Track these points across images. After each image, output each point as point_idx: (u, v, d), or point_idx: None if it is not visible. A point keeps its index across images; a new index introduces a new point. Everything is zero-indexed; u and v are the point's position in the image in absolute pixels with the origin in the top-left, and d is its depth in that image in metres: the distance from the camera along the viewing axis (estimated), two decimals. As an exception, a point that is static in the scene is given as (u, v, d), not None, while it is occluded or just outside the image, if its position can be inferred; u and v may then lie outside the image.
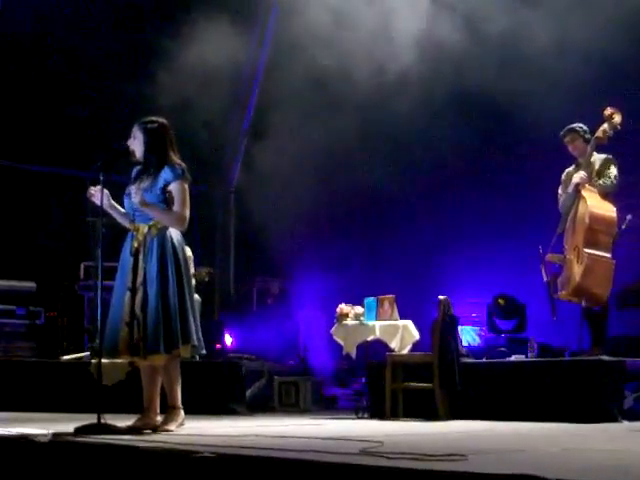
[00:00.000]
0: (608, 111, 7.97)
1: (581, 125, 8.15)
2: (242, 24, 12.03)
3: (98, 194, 6.05)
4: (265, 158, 11.91)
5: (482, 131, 10.86)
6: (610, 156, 8.08)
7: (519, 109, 10.26)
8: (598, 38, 9.22)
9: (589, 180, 7.93)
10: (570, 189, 8.01)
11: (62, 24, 11.59)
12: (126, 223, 6.19)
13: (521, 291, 10.47)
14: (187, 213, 6.12)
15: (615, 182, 7.96)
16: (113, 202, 6.21)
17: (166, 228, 6.11)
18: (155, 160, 6.13)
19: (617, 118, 7.94)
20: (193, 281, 9.19)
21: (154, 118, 6.25)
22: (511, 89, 10.12)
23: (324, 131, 11.17)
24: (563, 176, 8.32)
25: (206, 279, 9.49)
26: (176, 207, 6.09)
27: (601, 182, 7.95)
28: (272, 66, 12.61)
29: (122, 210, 6.22)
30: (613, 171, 7.98)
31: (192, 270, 9.22)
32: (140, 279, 6.01)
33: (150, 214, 6.07)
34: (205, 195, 13.41)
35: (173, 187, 6.08)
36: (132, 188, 6.17)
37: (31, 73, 11.64)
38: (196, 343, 6.10)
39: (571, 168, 8.27)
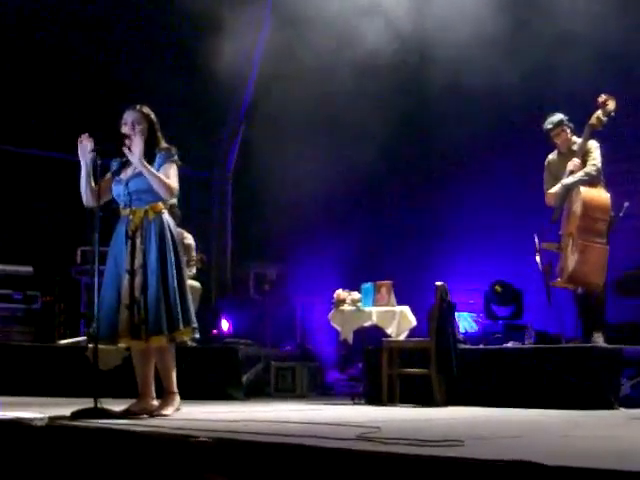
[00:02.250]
0: (602, 98, 7.91)
1: (564, 116, 8.08)
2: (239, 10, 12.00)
3: (87, 143, 6.05)
4: (263, 144, 11.88)
5: (478, 120, 10.84)
6: (592, 141, 8.00)
7: (516, 98, 10.26)
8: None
9: (582, 167, 7.90)
10: (565, 180, 7.97)
11: (59, 5, 11.55)
12: (86, 187, 6.14)
13: (518, 278, 10.47)
14: (177, 186, 6.18)
15: (599, 167, 7.89)
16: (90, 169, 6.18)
17: (162, 212, 6.16)
18: (153, 145, 6.18)
19: (611, 104, 7.88)
20: (194, 269, 9.25)
21: (141, 105, 6.27)
22: (508, 78, 10.13)
23: (323, 117, 11.14)
24: (546, 163, 8.30)
25: (198, 266, 9.46)
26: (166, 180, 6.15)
27: (586, 171, 7.87)
28: (271, 50, 12.55)
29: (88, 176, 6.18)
30: (596, 157, 7.92)
31: (195, 256, 9.24)
32: (139, 262, 6.03)
33: (146, 173, 6.06)
34: (203, 181, 13.40)
35: (164, 168, 6.14)
36: (123, 173, 6.19)
37: (29, 57, 11.59)
38: (196, 325, 6.14)
39: (554, 155, 8.23)
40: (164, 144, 6.24)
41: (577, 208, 7.75)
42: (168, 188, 6.12)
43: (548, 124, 8.12)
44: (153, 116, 6.26)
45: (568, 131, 8.09)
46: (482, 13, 9.76)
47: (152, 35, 12.11)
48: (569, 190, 7.90)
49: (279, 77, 11.65)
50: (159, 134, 6.26)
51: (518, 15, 10.00)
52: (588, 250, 7.69)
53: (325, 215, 12.17)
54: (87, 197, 6.17)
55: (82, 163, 6.13)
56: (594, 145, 7.95)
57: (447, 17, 10.05)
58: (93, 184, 6.15)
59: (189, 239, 9.34)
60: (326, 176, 11.75)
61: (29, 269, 10.91)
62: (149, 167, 6.09)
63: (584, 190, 7.74)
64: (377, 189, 12.20)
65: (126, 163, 6.24)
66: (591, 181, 7.84)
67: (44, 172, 11.99)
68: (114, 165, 6.30)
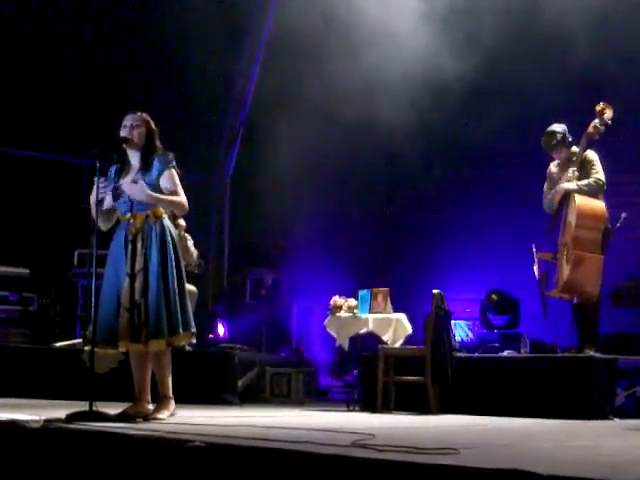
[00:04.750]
0: (600, 106, 7.91)
1: (564, 129, 8.07)
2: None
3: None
4: (261, 148, 11.90)
5: (480, 130, 10.85)
6: (590, 152, 8.01)
7: (520, 109, 10.28)
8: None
9: (578, 178, 7.90)
10: (557, 197, 7.97)
11: (56, 7, 11.55)
12: (106, 222, 6.24)
13: (515, 287, 10.47)
14: (184, 196, 6.23)
15: (603, 180, 7.90)
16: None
17: (163, 217, 6.17)
18: (151, 150, 6.19)
19: (608, 113, 7.88)
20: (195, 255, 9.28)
21: (142, 112, 6.30)
22: (512, 86, 10.16)
23: (322, 121, 11.15)
24: (547, 172, 8.29)
25: (196, 271, 9.45)
26: (170, 192, 6.17)
27: (589, 182, 7.87)
28: (271, 52, 12.57)
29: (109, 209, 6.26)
30: (599, 170, 7.91)
31: (191, 243, 9.25)
32: (139, 265, 6.04)
33: (156, 203, 6.12)
34: (201, 185, 13.40)
35: (166, 175, 6.16)
36: (124, 180, 6.19)
37: (28, 59, 11.59)
38: (194, 330, 6.17)
39: (555, 165, 8.22)
40: (160, 149, 6.25)
41: (572, 218, 7.76)
42: (181, 206, 6.24)
43: (549, 140, 8.06)
44: (153, 124, 6.27)
45: (568, 145, 8.06)
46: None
47: (153, 38, 12.11)
48: (565, 196, 7.89)
49: (279, 80, 11.66)
50: (157, 141, 6.26)
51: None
52: (582, 260, 7.69)
53: (322, 222, 12.17)
54: (102, 224, 6.25)
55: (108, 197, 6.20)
56: (594, 157, 7.93)
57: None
58: (103, 207, 6.21)
59: (180, 221, 9.27)
60: (324, 183, 11.77)
61: (25, 271, 10.88)
62: (158, 196, 6.11)
63: (579, 199, 7.73)
64: (375, 197, 12.19)
65: (123, 169, 6.25)
66: (592, 193, 7.83)
67: (42, 174, 11.97)
68: (112, 171, 6.30)
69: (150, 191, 6.09)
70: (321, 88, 10.78)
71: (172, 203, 6.20)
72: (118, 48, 11.96)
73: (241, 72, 13.07)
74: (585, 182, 7.85)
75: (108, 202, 6.21)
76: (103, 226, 6.24)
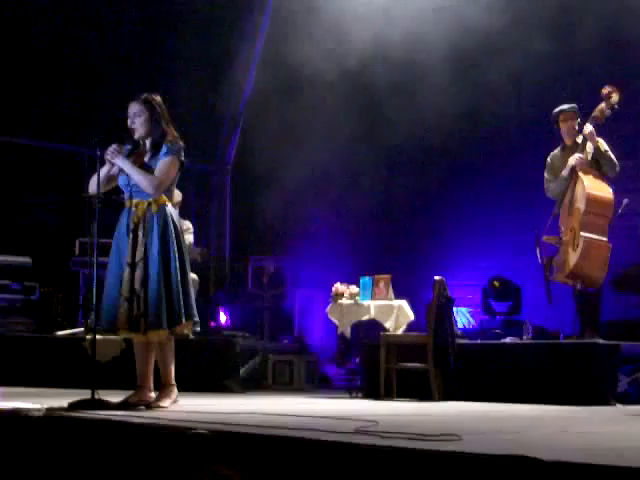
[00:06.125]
0: (606, 90, 7.87)
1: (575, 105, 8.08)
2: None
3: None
4: (263, 135, 11.88)
5: (479, 115, 10.84)
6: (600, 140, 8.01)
7: (516, 94, 10.26)
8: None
9: (586, 161, 7.88)
10: (565, 172, 7.96)
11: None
12: (101, 182, 6.10)
13: (516, 273, 10.48)
14: (165, 183, 6.07)
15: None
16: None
17: (165, 205, 6.10)
18: (159, 134, 6.11)
19: (615, 97, 7.84)
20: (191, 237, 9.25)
21: (147, 95, 6.19)
22: (505, 71, 10.14)
23: (321, 110, 11.13)
24: (548, 159, 8.26)
25: (198, 259, 9.46)
26: (156, 173, 6.05)
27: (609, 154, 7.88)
28: (272, 41, 12.54)
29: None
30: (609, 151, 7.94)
31: (191, 239, 9.21)
32: (140, 255, 5.99)
33: (127, 170, 6.03)
34: (201, 174, 13.39)
35: (164, 159, 6.05)
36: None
37: (29, 47, 11.57)
38: (197, 319, 6.13)
39: (557, 151, 8.20)
40: (171, 136, 6.12)
41: (581, 203, 7.73)
42: (152, 183, 6.00)
43: (561, 106, 8.04)
44: (156, 104, 6.11)
45: (578, 119, 8.03)
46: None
47: (153, 28, 12.09)
48: (572, 180, 7.87)
49: (280, 68, 11.63)
50: (164, 124, 6.11)
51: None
52: (591, 246, 7.67)
53: (324, 209, 12.16)
54: (93, 188, 6.14)
55: (107, 165, 6.12)
56: (600, 139, 7.92)
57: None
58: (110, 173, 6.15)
59: (187, 223, 9.29)
60: (326, 170, 11.76)
61: (27, 260, 10.89)
62: (128, 165, 6.02)
63: (588, 186, 7.71)
64: (377, 184, 12.18)
65: (132, 152, 6.19)
66: (611, 165, 7.83)
67: (43, 163, 11.96)
68: (127, 148, 6.21)
69: (124, 159, 6.02)
70: (323, 72, 10.76)
71: (142, 177, 6.00)
72: (119, 38, 11.94)
73: (242, 56, 13.03)
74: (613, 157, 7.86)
75: (114, 169, 6.14)
76: (101, 189, 6.08)
